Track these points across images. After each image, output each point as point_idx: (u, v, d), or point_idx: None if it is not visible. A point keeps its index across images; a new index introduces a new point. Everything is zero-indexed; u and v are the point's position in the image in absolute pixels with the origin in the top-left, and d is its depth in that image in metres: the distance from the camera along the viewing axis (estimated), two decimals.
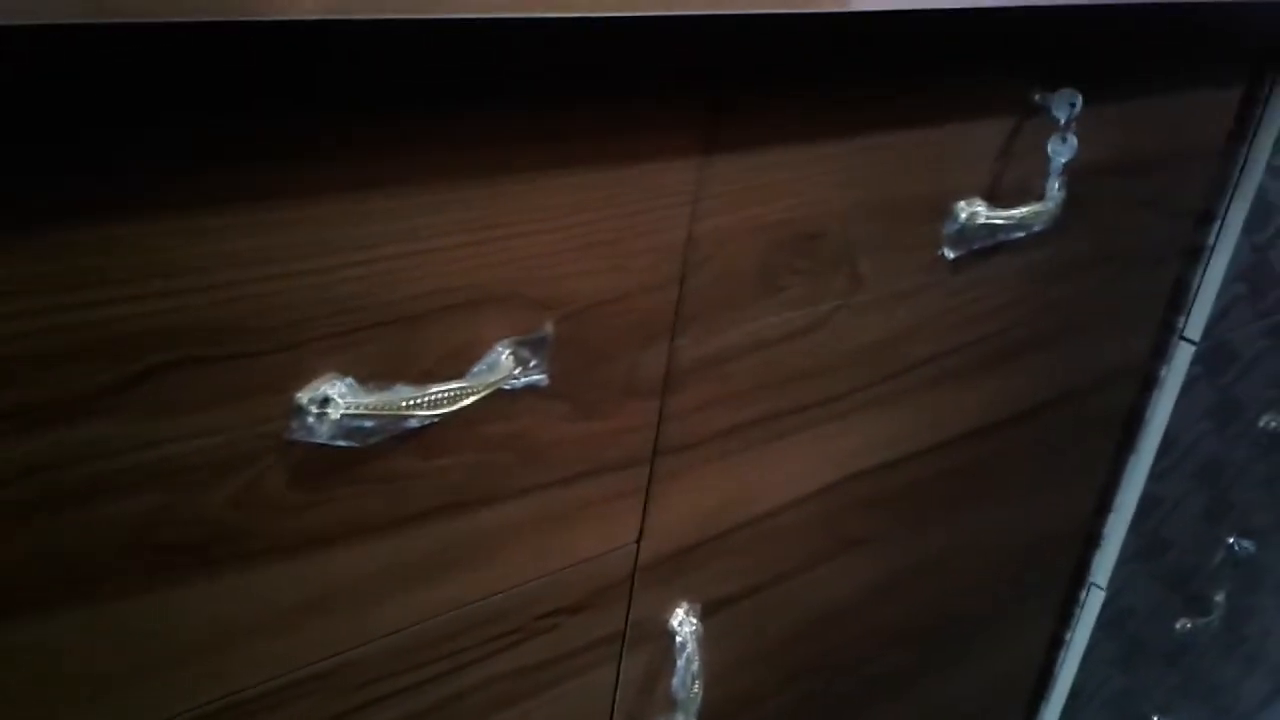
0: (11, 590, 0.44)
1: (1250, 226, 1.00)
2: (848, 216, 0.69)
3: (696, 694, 0.75)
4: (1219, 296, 1.02)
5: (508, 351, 0.55)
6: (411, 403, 0.51)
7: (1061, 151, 0.76)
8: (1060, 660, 1.22)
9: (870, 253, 0.72)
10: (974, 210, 0.76)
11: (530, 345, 0.56)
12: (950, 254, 0.77)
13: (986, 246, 0.79)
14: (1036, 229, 0.80)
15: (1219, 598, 1.33)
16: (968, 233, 0.76)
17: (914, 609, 0.96)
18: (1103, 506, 1.13)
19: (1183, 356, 1.05)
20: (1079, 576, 1.17)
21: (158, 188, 0.41)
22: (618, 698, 0.74)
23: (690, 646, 0.74)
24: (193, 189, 0.42)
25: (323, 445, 0.50)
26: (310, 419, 0.49)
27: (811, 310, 0.70)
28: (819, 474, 0.78)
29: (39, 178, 0.39)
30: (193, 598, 0.49)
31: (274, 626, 0.53)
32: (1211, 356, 1.06)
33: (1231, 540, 1.30)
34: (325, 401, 0.49)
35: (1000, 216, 0.77)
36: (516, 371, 0.56)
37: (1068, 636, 1.20)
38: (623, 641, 0.72)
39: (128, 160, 0.40)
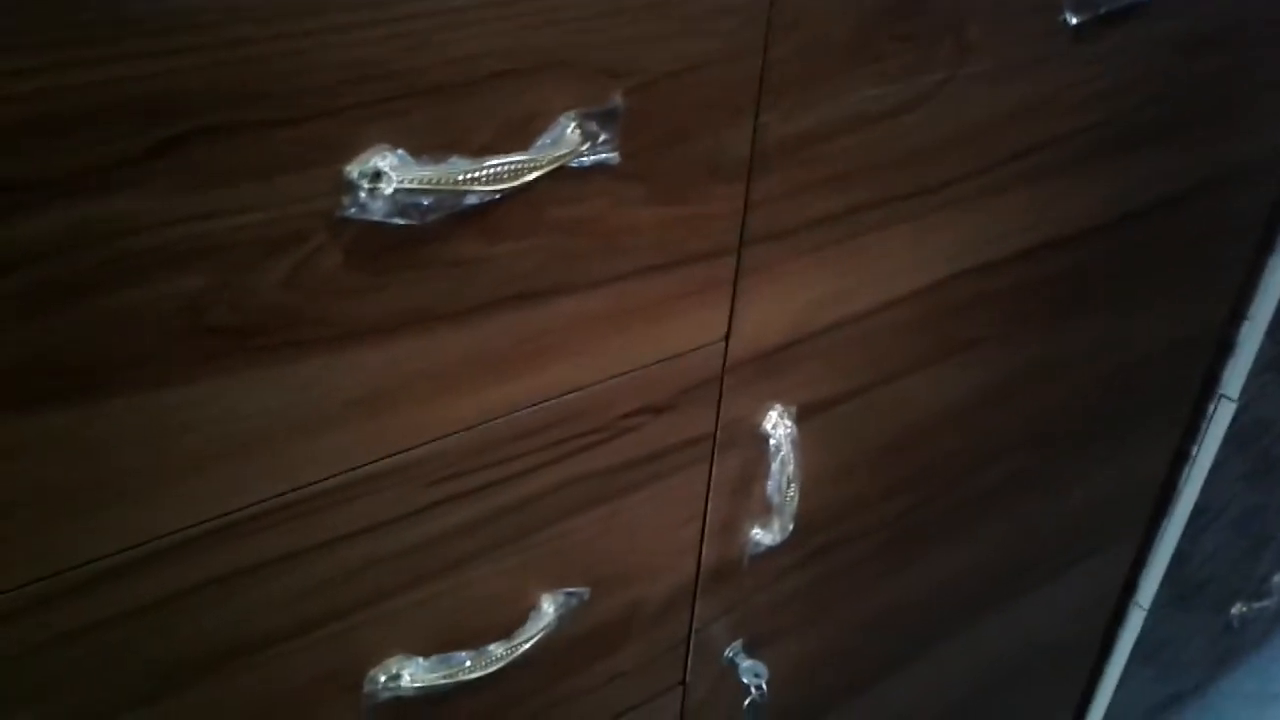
0: (55, 375, 0.42)
1: None
2: None
3: (793, 498, 0.72)
4: None
5: (574, 124, 0.51)
6: (469, 176, 0.47)
7: None
8: (1184, 476, 1.16)
9: (980, 17, 0.64)
10: None
11: (599, 119, 0.52)
12: (1073, 19, 0.69)
13: (1115, 10, 0.71)
14: None
15: None
16: None
17: (1025, 419, 0.91)
18: (1237, 312, 1.05)
19: None
20: (1208, 387, 1.10)
21: None
22: (710, 501, 0.71)
23: (785, 449, 0.71)
24: None
25: (378, 224, 0.47)
26: (362, 194, 0.46)
27: (913, 83, 0.64)
28: (921, 270, 0.73)
29: None
30: (248, 386, 0.47)
31: (338, 418, 0.51)
32: None
33: None
34: (377, 175, 0.45)
35: None
36: (584, 147, 0.51)
37: (1193, 451, 1.14)
38: (713, 443, 0.69)
39: None
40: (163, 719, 0.53)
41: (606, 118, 0.52)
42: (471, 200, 0.48)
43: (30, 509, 0.44)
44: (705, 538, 0.73)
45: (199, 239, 0.43)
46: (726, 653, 0.81)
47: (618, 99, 0.52)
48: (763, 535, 0.75)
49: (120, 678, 0.51)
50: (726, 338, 0.65)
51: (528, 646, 0.64)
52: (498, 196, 0.49)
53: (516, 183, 0.48)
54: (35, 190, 0.39)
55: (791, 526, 0.74)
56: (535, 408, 0.58)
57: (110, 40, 0.38)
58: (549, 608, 0.66)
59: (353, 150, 0.45)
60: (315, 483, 0.51)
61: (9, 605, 0.45)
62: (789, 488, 0.72)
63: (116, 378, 0.43)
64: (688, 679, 0.79)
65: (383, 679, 0.60)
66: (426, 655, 0.61)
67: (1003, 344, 0.83)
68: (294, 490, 0.51)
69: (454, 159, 0.47)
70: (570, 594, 0.67)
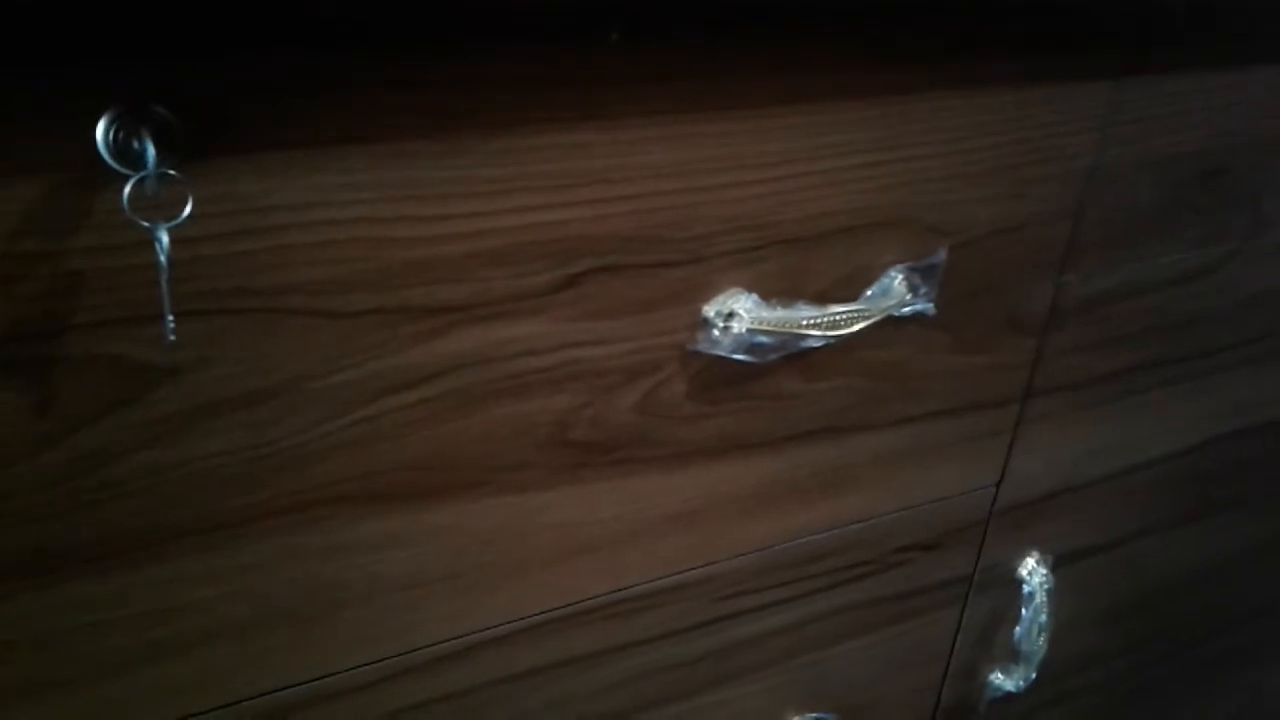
0: (446, 473, 0.46)
1: None
2: (1257, 151, 0.63)
3: (1041, 647, 0.72)
4: None
5: (901, 277, 0.54)
6: (811, 322, 0.50)
7: None
8: None
9: (1276, 192, 0.65)
10: None
11: (922, 272, 0.55)
12: None
13: None
14: None
15: None
16: None
17: (1271, 585, 0.89)
18: None
19: None
20: None
21: (593, 98, 0.42)
22: (958, 642, 0.72)
23: (1040, 598, 0.71)
24: (625, 100, 0.43)
25: (721, 359, 0.51)
26: (715, 331, 0.49)
27: (1206, 252, 0.65)
28: (1195, 429, 0.73)
29: (510, 88, 0.40)
30: (590, 496, 0.51)
31: (656, 530, 0.54)
32: None
33: None
34: (730, 315, 0.49)
35: None
36: (908, 298, 0.54)
37: None
38: (970, 585, 0.70)
39: (571, 74, 0.41)
40: None
41: (929, 271, 0.55)
42: (809, 344, 0.52)
43: (409, 592, 0.48)
44: (948, 677, 0.74)
45: (578, 362, 0.47)
46: None
47: (943, 254, 0.55)
48: (1003, 680, 0.75)
49: None
50: (999, 483, 0.66)
51: None
52: (831, 341, 0.53)
53: (850, 330, 0.51)
54: (459, 312, 0.43)
55: (1034, 675, 0.74)
56: (820, 535, 0.61)
57: (537, 191, 0.43)
58: None
59: (712, 291, 0.49)
60: (632, 586, 0.55)
61: (363, 679, 0.50)
62: (1039, 636, 0.72)
63: (492, 480, 0.48)
64: None
65: None
66: None
67: (1255, 509, 0.82)
68: (613, 592, 0.54)
69: (799, 305, 0.51)
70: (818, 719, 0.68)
